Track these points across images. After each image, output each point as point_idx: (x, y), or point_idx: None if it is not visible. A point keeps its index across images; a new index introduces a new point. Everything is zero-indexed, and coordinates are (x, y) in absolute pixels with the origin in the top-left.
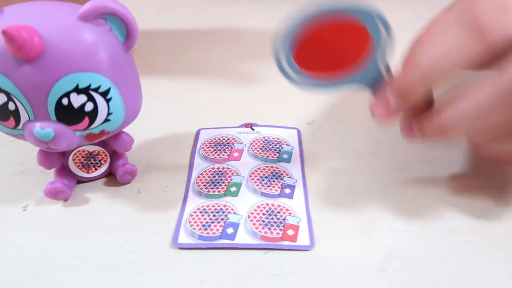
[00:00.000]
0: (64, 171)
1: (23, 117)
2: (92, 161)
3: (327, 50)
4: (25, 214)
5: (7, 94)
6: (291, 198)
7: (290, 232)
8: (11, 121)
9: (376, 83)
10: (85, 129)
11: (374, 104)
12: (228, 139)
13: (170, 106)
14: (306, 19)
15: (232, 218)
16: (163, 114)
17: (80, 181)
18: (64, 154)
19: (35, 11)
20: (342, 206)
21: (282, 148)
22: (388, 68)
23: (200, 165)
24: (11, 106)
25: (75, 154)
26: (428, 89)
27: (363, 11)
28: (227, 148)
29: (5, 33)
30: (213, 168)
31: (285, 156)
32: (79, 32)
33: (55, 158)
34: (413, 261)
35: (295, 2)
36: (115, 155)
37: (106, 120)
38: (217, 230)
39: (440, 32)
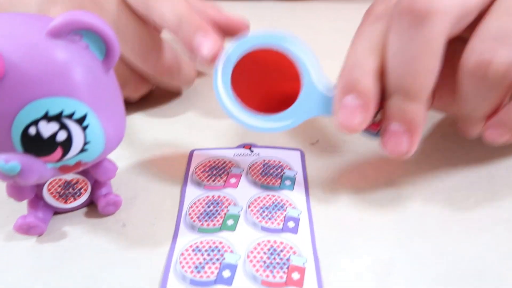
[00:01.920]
0: (38, 202)
1: None
2: (71, 190)
3: (262, 82)
4: None
5: None
6: (295, 233)
7: (296, 276)
8: None
9: (328, 106)
10: (58, 161)
11: (337, 113)
12: (225, 162)
13: (159, 124)
14: (235, 57)
15: (229, 258)
16: (151, 133)
17: (57, 212)
18: (38, 184)
19: None
20: (354, 244)
21: (284, 173)
22: (333, 88)
23: (193, 193)
24: None
25: (50, 183)
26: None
27: (275, 40)
28: (223, 173)
29: None
30: (207, 197)
31: (287, 182)
32: (48, 50)
33: (27, 189)
34: None
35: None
36: (96, 183)
37: (83, 150)
38: (212, 273)
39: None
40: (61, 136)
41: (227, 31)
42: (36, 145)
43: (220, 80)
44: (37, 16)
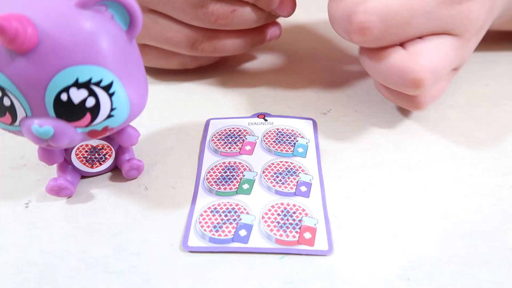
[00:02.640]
0: (67, 166)
1: (20, 113)
2: (96, 155)
3: None
4: (27, 211)
5: (2, 89)
6: (307, 196)
7: (307, 235)
8: (7, 117)
9: None
10: (87, 126)
11: None
12: (240, 130)
13: (177, 95)
14: None
15: (245, 218)
16: (170, 103)
17: (83, 176)
18: (67, 149)
19: None
20: (362, 207)
21: (297, 141)
22: None
23: (210, 159)
24: (6, 102)
25: (77, 149)
26: None
27: None
28: (238, 140)
29: None
30: (224, 163)
31: (300, 150)
32: (77, 20)
33: (57, 154)
34: (441, 269)
35: None
36: (120, 149)
37: (109, 116)
38: (229, 232)
39: None
40: (90, 102)
41: None
42: (67, 111)
43: None
44: None
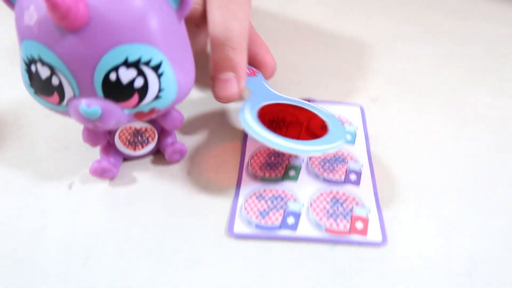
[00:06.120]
0: (110, 148)
1: (68, 93)
2: (139, 138)
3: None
4: (70, 192)
5: (51, 68)
6: (358, 185)
7: (359, 225)
8: (55, 97)
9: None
10: (134, 107)
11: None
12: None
13: None
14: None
15: (292, 206)
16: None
17: (126, 158)
18: (110, 131)
19: None
20: (417, 197)
21: (345, 127)
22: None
23: (253, 144)
24: (55, 81)
25: (121, 131)
26: None
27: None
28: (283, 126)
29: None
30: (268, 149)
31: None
32: None
33: (101, 135)
34: (506, 266)
35: None
36: (163, 132)
37: (157, 97)
38: (276, 219)
39: None
40: (139, 82)
41: (256, 65)
42: (115, 91)
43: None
44: None
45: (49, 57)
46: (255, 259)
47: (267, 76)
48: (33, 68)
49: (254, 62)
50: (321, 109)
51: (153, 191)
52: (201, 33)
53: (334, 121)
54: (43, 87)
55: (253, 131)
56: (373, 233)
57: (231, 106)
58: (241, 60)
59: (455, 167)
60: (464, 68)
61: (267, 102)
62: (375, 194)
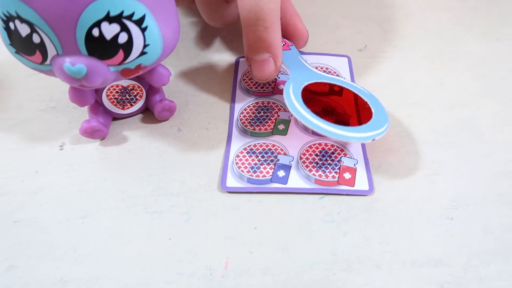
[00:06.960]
0: (98, 108)
1: (50, 51)
2: (127, 96)
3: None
4: (62, 153)
5: (30, 25)
6: None
7: (347, 176)
8: (38, 56)
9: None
10: (120, 64)
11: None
12: None
13: (205, 33)
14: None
15: (282, 159)
16: (198, 41)
17: (115, 118)
18: (97, 90)
19: None
20: (402, 146)
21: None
22: None
23: (242, 99)
24: (36, 39)
25: (108, 90)
26: None
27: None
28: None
29: None
30: (257, 103)
31: (336, 88)
32: None
33: (88, 95)
34: (485, 209)
35: None
36: (151, 90)
37: (143, 52)
38: (267, 172)
39: None
40: (123, 38)
41: (288, 36)
42: (99, 47)
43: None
44: None
45: (27, 13)
46: (248, 212)
47: (299, 47)
48: (11, 25)
49: (286, 33)
50: (361, 89)
51: (145, 149)
52: (230, 7)
53: (375, 102)
54: (24, 46)
55: (304, 119)
56: (361, 183)
57: (219, 59)
58: (275, 38)
59: (441, 112)
60: (451, 15)
61: (309, 82)
62: (363, 145)
